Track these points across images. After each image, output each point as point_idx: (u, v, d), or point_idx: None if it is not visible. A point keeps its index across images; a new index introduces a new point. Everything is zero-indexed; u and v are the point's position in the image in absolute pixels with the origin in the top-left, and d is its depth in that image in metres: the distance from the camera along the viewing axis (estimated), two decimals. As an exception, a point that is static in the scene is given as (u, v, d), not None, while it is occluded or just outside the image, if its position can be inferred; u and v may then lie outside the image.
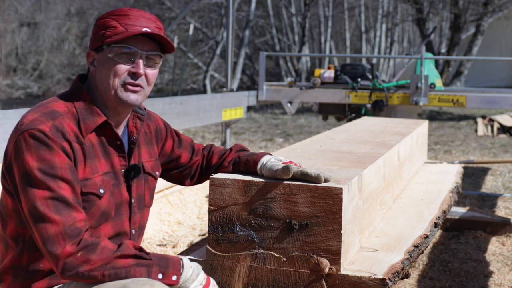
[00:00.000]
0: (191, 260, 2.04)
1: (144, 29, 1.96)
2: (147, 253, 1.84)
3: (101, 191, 1.96)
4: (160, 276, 1.82)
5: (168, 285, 1.82)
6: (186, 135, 2.41)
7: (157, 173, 2.22)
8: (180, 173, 2.35)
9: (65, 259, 1.77)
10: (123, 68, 1.97)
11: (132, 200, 2.08)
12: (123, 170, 2.05)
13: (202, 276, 1.90)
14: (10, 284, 1.99)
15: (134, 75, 1.98)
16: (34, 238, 1.84)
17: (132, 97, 1.99)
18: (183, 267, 1.86)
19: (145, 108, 2.20)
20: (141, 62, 1.98)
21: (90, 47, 2.03)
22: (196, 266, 1.90)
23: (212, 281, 1.93)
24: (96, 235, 1.92)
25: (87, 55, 2.03)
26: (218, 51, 20.43)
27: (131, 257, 1.81)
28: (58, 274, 1.80)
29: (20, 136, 1.86)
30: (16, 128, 1.90)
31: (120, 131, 2.07)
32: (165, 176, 2.36)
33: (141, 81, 2.00)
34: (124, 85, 1.98)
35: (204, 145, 2.43)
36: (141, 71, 1.98)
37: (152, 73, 2.03)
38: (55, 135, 1.86)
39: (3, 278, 2.01)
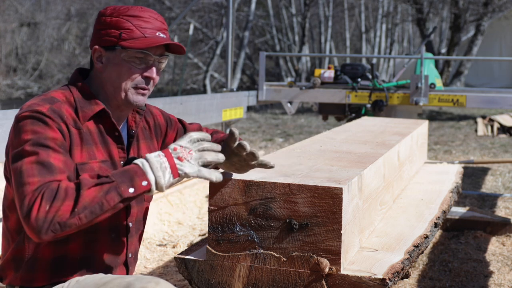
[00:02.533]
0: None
1: (161, 37, 2.00)
2: (106, 176, 1.76)
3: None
4: (131, 190, 1.75)
5: (144, 192, 1.76)
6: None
7: None
8: None
9: (36, 218, 1.69)
10: (137, 71, 2.01)
11: None
12: (122, 162, 2.07)
13: (163, 160, 1.79)
14: (11, 279, 1.99)
15: (147, 79, 2.03)
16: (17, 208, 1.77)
17: (140, 99, 2.05)
18: (146, 168, 1.77)
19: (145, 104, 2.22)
20: (154, 67, 2.03)
21: (97, 42, 2.02)
22: (155, 159, 1.79)
23: (169, 151, 1.81)
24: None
25: (93, 50, 2.03)
26: (218, 51, 20.44)
27: (94, 186, 1.73)
28: (35, 239, 1.71)
29: (18, 120, 1.88)
30: (16, 116, 1.92)
31: (119, 124, 2.10)
32: None
33: (150, 83, 2.06)
34: (136, 88, 2.03)
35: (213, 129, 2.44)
36: (155, 75, 2.04)
37: (159, 74, 2.08)
38: (52, 115, 1.88)
39: (5, 274, 2.01)
